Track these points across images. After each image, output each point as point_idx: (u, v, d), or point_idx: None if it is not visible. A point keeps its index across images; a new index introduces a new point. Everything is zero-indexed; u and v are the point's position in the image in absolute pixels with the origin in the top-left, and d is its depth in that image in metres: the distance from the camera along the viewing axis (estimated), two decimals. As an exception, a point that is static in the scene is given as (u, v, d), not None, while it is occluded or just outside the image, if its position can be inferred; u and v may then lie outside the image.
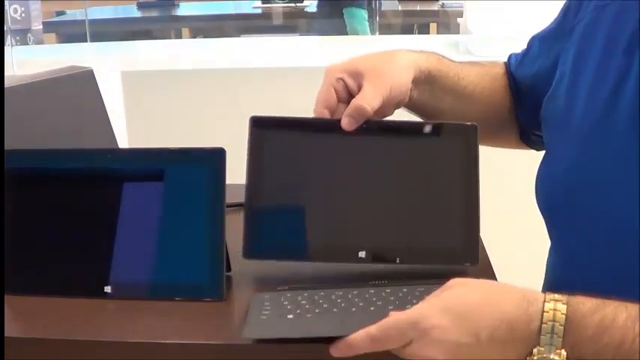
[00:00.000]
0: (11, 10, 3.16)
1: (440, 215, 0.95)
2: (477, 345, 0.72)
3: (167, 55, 2.92)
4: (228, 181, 0.94)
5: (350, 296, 0.88)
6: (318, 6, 4.44)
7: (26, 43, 3.22)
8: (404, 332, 0.74)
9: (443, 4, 4.78)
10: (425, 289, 0.85)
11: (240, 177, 1.03)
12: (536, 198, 0.97)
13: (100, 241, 0.95)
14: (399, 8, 4.94)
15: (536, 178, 0.98)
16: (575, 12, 0.99)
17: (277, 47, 3.13)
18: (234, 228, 0.96)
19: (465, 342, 0.72)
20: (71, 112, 1.18)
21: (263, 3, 4.74)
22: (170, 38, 4.66)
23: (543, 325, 0.72)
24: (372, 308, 0.84)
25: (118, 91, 2.59)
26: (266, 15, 4.79)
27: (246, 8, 5.03)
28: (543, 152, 1.00)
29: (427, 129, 1.00)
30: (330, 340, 0.77)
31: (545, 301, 0.73)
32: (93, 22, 4.06)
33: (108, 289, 0.93)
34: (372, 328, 0.74)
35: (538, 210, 0.98)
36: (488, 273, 0.95)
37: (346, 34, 3.87)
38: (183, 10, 5.10)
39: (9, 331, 0.86)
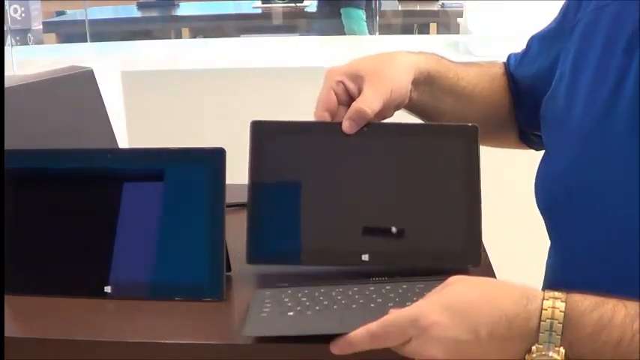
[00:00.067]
0: (11, 10, 3.16)
1: (442, 217, 0.95)
2: (477, 342, 0.73)
3: (167, 55, 2.92)
4: (228, 181, 0.94)
5: (350, 293, 0.88)
6: (318, 6, 4.44)
7: (26, 43, 3.22)
8: (404, 329, 0.74)
9: (443, 4, 4.78)
10: (425, 285, 0.85)
11: (240, 177, 1.03)
12: (536, 198, 0.97)
13: (100, 241, 0.95)
14: (399, 8, 4.94)
15: (536, 178, 0.98)
16: (575, 12, 0.99)
17: (277, 47, 3.13)
18: (234, 228, 0.96)
19: (464, 339, 0.73)
20: (71, 112, 1.18)
21: (263, 3, 4.74)
22: (170, 38, 4.66)
23: (542, 323, 0.72)
24: (372, 305, 0.85)
25: (118, 91, 2.59)
26: (266, 15, 4.79)
27: (246, 8, 5.03)
28: (543, 152, 1.00)
29: (428, 131, 1.00)
30: (331, 337, 0.77)
31: (544, 298, 0.73)
32: (93, 22, 4.07)
33: (108, 289, 0.93)
34: (372, 326, 0.75)
35: (538, 210, 0.98)
36: (488, 273, 0.95)
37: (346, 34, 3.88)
38: (183, 10, 5.10)
39: (9, 331, 0.86)
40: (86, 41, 3.40)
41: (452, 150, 0.96)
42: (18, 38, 3.16)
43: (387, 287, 0.89)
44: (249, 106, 2.62)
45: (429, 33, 4.66)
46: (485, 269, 0.95)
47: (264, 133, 0.97)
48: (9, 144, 0.98)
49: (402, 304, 0.79)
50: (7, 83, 1.11)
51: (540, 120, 1.02)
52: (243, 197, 1.16)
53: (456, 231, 0.95)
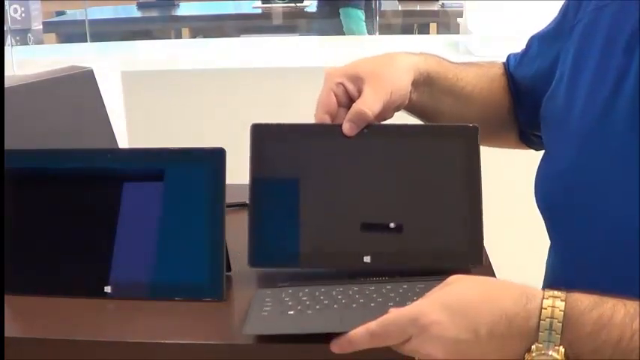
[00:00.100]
0: (11, 10, 3.16)
1: (443, 217, 0.95)
2: (476, 341, 0.73)
3: (167, 55, 2.92)
4: (228, 181, 0.94)
5: (350, 292, 0.88)
6: (318, 6, 4.44)
7: (26, 43, 3.22)
8: (403, 328, 0.74)
9: (443, 4, 4.78)
10: (425, 285, 0.85)
11: (240, 177, 1.03)
12: (536, 198, 0.97)
13: (100, 241, 0.95)
14: (399, 8, 4.94)
15: (536, 177, 0.98)
16: (575, 12, 0.99)
17: (277, 47, 3.13)
18: (234, 228, 0.96)
19: (463, 338, 0.73)
20: (71, 112, 1.18)
21: (263, 3, 4.74)
22: (170, 38, 4.66)
23: (541, 322, 0.72)
24: (372, 304, 0.85)
25: (118, 91, 2.59)
26: (266, 15, 4.79)
27: (246, 8, 5.03)
28: (543, 152, 1.00)
29: (428, 131, 1.00)
30: (331, 336, 0.77)
31: (543, 297, 0.73)
32: (93, 22, 4.07)
33: (108, 289, 0.93)
34: (372, 324, 0.75)
35: (538, 210, 0.98)
36: (488, 273, 0.95)
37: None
38: (183, 10, 5.10)
39: (9, 331, 0.86)
40: (86, 41, 3.40)
41: (452, 150, 0.96)
42: (18, 38, 3.16)
43: (388, 287, 0.89)
44: (249, 106, 2.63)
45: (429, 33, 4.66)
46: (485, 269, 0.95)
47: (264, 136, 0.96)
48: (9, 144, 0.98)
49: (402, 304, 0.79)
50: (7, 83, 1.11)
51: (540, 120, 1.02)
52: (243, 197, 1.16)
53: (457, 231, 0.95)
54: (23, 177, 0.97)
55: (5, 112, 1.01)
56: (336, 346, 0.76)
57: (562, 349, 0.72)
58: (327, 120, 0.96)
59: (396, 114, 1.02)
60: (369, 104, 0.95)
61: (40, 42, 3.35)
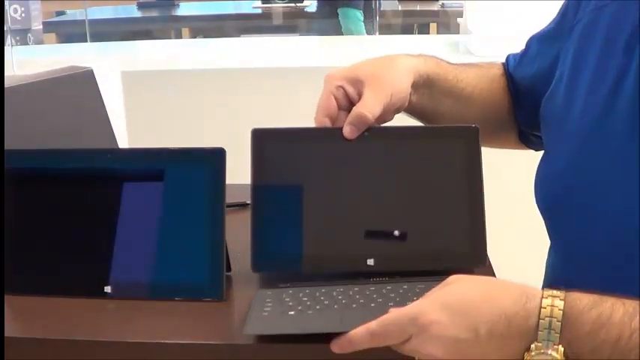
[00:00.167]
0: (11, 10, 3.17)
1: (446, 218, 0.95)
2: (476, 340, 0.73)
3: (167, 55, 2.93)
4: (228, 181, 0.94)
5: (351, 293, 0.88)
6: (318, 6, 4.44)
7: (26, 43, 3.23)
8: (403, 328, 0.74)
9: (443, 4, 4.78)
10: (425, 285, 0.85)
11: (240, 177, 1.03)
12: (536, 198, 0.97)
13: (100, 241, 0.95)
14: (399, 8, 4.94)
15: (535, 177, 0.98)
16: (574, 12, 0.99)
17: (277, 47, 3.13)
18: (234, 228, 0.96)
19: (463, 337, 0.73)
20: (71, 112, 1.18)
21: (263, 3, 4.74)
22: (170, 38, 4.66)
23: (541, 321, 0.72)
24: (372, 305, 0.85)
25: (118, 91, 2.59)
26: (266, 15, 4.79)
27: (246, 8, 5.03)
28: (542, 152, 1.00)
29: (429, 133, 1.00)
30: (331, 336, 0.77)
31: (543, 297, 0.73)
32: (93, 22, 4.07)
33: (108, 289, 0.93)
34: (372, 324, 0.75)
35: (538, 210, 0.98)
36: (488, 273, 0.95)
37: (345, 34, 3.88)
38: (183, 10, 5.10)
39: (9, 331, 0.86)
40: (86, 41, 3.40)
41: (454, 151, 0.96)
42: (18, 38, 3.16)
43: (388, 287, 0.89)
44: (249, 106, 2.63)
45: (429, 33, 4.66)
46: (486, 269, 0.95)
47: (265, 141, 0.96)
48: (9, 144, 0.98)
49: (402, 304, 0.79)
50: (7, 83, 1.11)
51: (540, 120, 1.02)
52: (243, 197, 1.16)
53: (460, 232, 0.95)
54: (23, 177, 0.97)
55: (5, 112, 1.02)
56: (337, 346, 0.76)
57: (561, 348, 0.72)
58: (327, 123, 0.96)
59: (395, 116, 1.02)
60: (369, 107, 0.95)
61: (40, 42, 3.35)
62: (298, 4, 4.67)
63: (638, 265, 0.82)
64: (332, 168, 0.96)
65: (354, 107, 0.96)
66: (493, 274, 0.95)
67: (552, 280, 0.98)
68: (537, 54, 1.07)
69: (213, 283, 0.92)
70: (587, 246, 0.89)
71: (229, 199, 0.96)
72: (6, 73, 1.41)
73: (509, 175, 1.83)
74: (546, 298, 0.73)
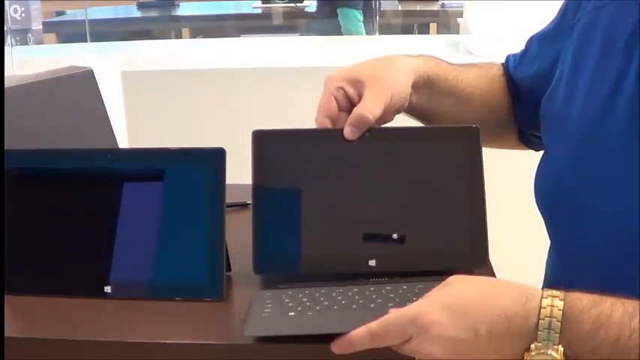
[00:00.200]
0: (11, 10, 3.17)
1: (448, 218, 0.95)
2: (476, 340, 0.73)
3: (167, 55, 2.92)
4: (228, 181, 0.94)
5: (350, 294, 0.88)
6: (318, 6, 4.45)
7: (26, 43, 3.23)
8: (403, 328, 0.74)
9: (443, 4, 4.78)
10: (425, 285, 0.86)
11: (240, 177, 1.03)
12: (536, 198, 0.97)
13: (100, 241, 0.95)
14: (399, 8, 4.94)
15: (535, 177, 0.98)
16: (574, 12, 0.99)
17: (277, 47, 3.13)
18: (234, 228, 0.96)
19: (463, 337, 0.73)
20: (71, 112, 1.18)
21: (263, 3, 4.74)
22: (170, 38, 4.66)
23: (540, 321, 0.72)
24: (372, 305, 0.85)
25: (118, 91, 2.59)
26: (266, 15, 4.79)
27: (246, 8, 5.03)
28: (542, 152, 1.00)
29: (430, 133, 1.00)
30: (331, 337, 0.77)
31: (542, 297, 0.73)
32: (93, 22, 4.07)
33: (108, 289, 0.93)
34: (372, 325, 0.75)
35: (538, 210, 0.98)
36: (488, 273, 0.95)
37: (345, 34, 3.89)
38: (183, 10, 5.11)
39: (9, 331, 0.86)
40: (86, 41, 3.40)
41: (455, 151, 0.96)
42: (18, 38, 3.16)
43: (387, 288, 0.89)
44: (249, 106, 2.63)
45: (429, 33, 4.66)
46: (486, 269, 0.95)
47: (266, 143, 0.96)
48: (9, 144, 0.98)
49: (402, 304, 0.79)
50: (7, 83, 1.11)
51: (540, 120, 1.02)
52: (243, 197, 1.16)
53: (462, 232, 0.95)
54: (23, 177, 0.97)
55: (5, 112, 1.02)
56: (337, 347, 0.77)
57: (561, 348, 0.72)
58: (328, 124, 0.96)
59: (395, 116, 1.02)
60: (370, 108, 0.95)
61: (40, 42, 3.35)
62: (298, 4, 4.68)
63: (638, 265, 0.82)
64: (333, 169, 0.96)
65: (355, 108, 0.96)
66: (493, 274, 0.95)
67: (552, 281, 0.98)
68: (537, 54, 1.07)
69: (213, 283, 0.92)
70: (587, 246, 0.89)
71: (229, 199, 0.96)
72: (6, 73, 1.41)
73: (509, 175, 1.83)
74: (546, 298, 0.73)
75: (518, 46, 1.13)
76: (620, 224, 0.84)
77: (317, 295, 0.88)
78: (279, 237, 0.95)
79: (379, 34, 3.80)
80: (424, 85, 1.02)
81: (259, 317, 0.84)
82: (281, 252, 0.94)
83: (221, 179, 0.94)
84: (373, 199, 0.95)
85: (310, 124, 0.98)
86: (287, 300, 0.87)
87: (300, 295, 0.88)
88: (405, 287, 0.88)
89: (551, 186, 0.95)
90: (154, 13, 5.07)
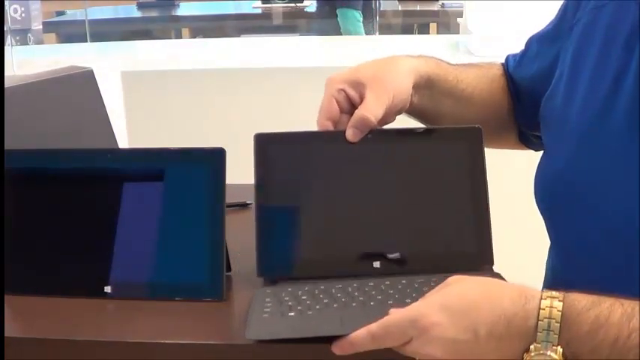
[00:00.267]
0: (11, 10, 3.17)
1: (451, 220, 0.95)
2: (476, 341, 0.73)
3: (167, 55, 2.92)
4: (228, 181, 0.94)
5: (350, 289, 0.88)
6: (318, 6, 4.45)
7: (26, 43, 3.23)
8: (404, 330, 0.74)
9: (443, 4, 4.78)
10: (424, 279, 0.86)
11: (240, 177, 1.03)
12: (535, 197, 0.97)
13: (100, 241, 0.95)
14: (399, 8, 4.94)
15: (535, 177, 0.98)
16: (574, 11, 0.99)
17: (277, 47, 3.13)
18: (234, 228, 0.96)
19: (463, 339, 0.73)
20: (71, 112, 1.18)
21: (263, 3, 4.74)
22: (170, 38, 4.66)
23: (540, 322, 0.72)
24: (371, 303, 0.85)
25: (118, 91, 2.60)
26: (266, 15, 4.80)
27: (246, 8, 5.03)
28: (542, 152, 1.00)
29: (432, 134, 1.00)
30: (332, 337, 0.77)
31: (541, 298, 0.73)
32: (93, 22, 4.07)
33: (108, 289, 0.93)
34: (373, 327, 0.75)
35: (538, 210, 0.98)
36: (489, 274, 0.95)
37: (345, 34, 3.89)
38: (183, 10, 5.11)
39: (9, 331, 0.86)
40: (86, 41, 3.40)
41: (457, 152, 0.96)
42: (18, 38, 3.16)
43: (387, 283, 0.89)
44: (249, 106, 2.63)
45: (429, 33, 4.66)
46: (490, 270, 0.95)
47: (268, 146, 0.95)
48: (9, 144, 0.98)
49: (401, 302, 0.80)
50: (7, 83, 1.11)
51: (540, 120, 1.02)
52: (243, 197, 1.16)
53: (467, 232, 0.94)
54: (23, 177, 0.97)
55: (5, 112, 1.02)
56: (338, 348, 0.77)
57: (560, 349, 0.72)
58: (329, 127, 0.96)
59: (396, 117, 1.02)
60: (371, 110, 0.95)
61: (40, 42, 3.35)
62: (298, 4, 4.68)
63: (638, 265, 0.82)
64: (336, 171, 0.96)
65: (357, 110, 0.95)
66: (494, 275, 0.95)
67: (552, 281, 0.98)
68: (537, 54, 1.07)
69: (213, 283, 0.92)
70: (587, 246, 0.89)
71: (229, 199, 0.96)
72: (6, 73, 1.41)
73: (510, 175, 1.83)
74: (545, 299, 0.73)
75: (518, 46, 1.13)
76: (620, 224, 0.84)
77: (316, 292, 0.88)
78: (283, 240, 0.94)
79: (379, 34, 3.80)
80: (425, 86, 1.02)
81: (260, 318, 0.84)
82: (285, 255, 0.94)
83: (221, 179, 0.94)
84: (377, 201, 0.95)
85: (310, 123, 0.98)
86: (287, 298, 0.87)
87: (300, 292, 0.88)
88: (404, 282, 0.89)
89: (550, 186, 0.95)
90: (154, 13, 5.07)
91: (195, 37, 4.67)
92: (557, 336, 0.72)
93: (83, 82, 1.21)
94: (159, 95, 2.71)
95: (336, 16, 3.93)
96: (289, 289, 0.89)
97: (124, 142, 1.86)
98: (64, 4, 4.84)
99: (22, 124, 1.08)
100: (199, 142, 0.97)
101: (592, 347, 0.72)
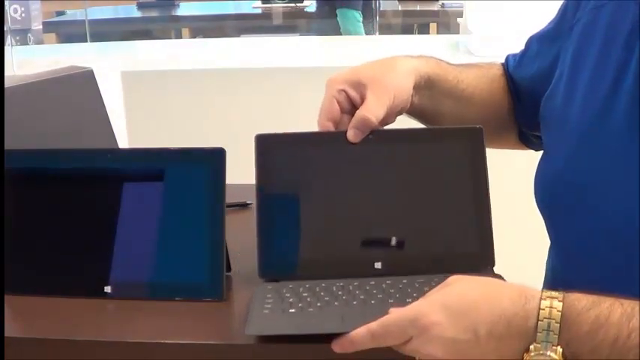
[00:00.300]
0: (11, 10, 3.17)
1: (453, 220, 0.95)
2: (475, 341, 0.73)
3: (167, 55, 2.92)
4: (228, 181, 0.94)
5: (351, 288, 0.88)
6: (317, 6, 4.45)
7: (26, 43, 3.23)
8: (404, 329, 0.74)
9: (443, 4, 4.78)
10: (425, 279, 0.86)
11: (240, 177, 1.03)
12: (535, 197, 0.97)
13: (100, 241, 0.95)
14: (399, 8, 4.94)
15: (535, 177, 0.98)
16: (574, 11, 0.99)
17: (277, 47, 3.13)
18: (234, 228, 0.96)
19: (462, 338, 0.73)
20: (71, 112, 1.18)
21: (263, 3, 4.74)
22: (170, 38, 4.66)
23: (539, 322, 0.72)
24: (372, 302, 0.85)
25: (118, 91, 2.60)
26: (266, 15, 4.79)
27: (246, 8, 5.03)
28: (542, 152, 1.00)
29: (433, 134, 1.00)
30: (332, 336, 0.77)
31: (541, 298, 0.73)
32: (93, 22, 4.07)
33: (108, 289, 0.93)
34: (373, 325, 0.75)
35: (538, 210, 0.98)
36: (489, 274, 0.95)
37: (345, 34, 3.89)
38: (183, 10, 5.10)
39: (9, 331, 0.86)
40: (86, 41, 3.40)
41: (458, 152, 0.96)
42: (18, 38, 3.16)
43: (388, 282, 0.89)
44: (249, 106, 2.63)
45: (429, 33, 4.66)
46: (491, 270, 0.95)
47: (269, 147, 0.95)
48: (9, 144, 0.98)
49: (402, 301, 0.80)
50: (7, 83, 1.11)
51: (540, 120, 1.02)
52: (243, 197, 1.16)
53: (469, 233, 0.94)
54: (23, 177, 0.98)
55: (5, 112, 1.02)
56: (338, 346, 0.77)
57: (560, 349, 0.72)
58: (330, 127, 0.96)
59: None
60: (372, 110, 0.95)
61: (40, 42, 3.35)
62: (298, 4, 4.68)
63: (638, 265, 0.82)
64: (337, 172, 0.96)
65: (358, 111, 0.95)
66: (494, 276, 0.94)
67: (552, 281, 0.98)
68: (537, 54, 1.07)
69: (213, 283, 0.92)
70: (587, 246, 0.89)
71: (229, 199, 0.96)
72: (6, 73, 1.41)
73: (510, 175, 1.83)
74: (545, 299, 0.73)
75: (518, 46, 1.13)
76: (620, 224, 0.84)
77: (317, 289, 0.88)
78: (285, 241, 0.94)
79: (379, 34, 3.80)
80: (425, 86, 1.02)
81: (260, 315, 0.84)
82: (286, 256, 0.94)
83: (221, 179, 0.94)
84: (378, 202, 0.95)
85: (310, 123, 0.98)
86: (288, 295, 0.87)
87: (301, 290, 0.88)
88: (405, 281, 0.89)
89: (550, 185, 0.95)
90: (154, 13, 5.07)
91: (195, 37, 4.67)
92: (556, 336, 0.72)
93: (83, 82, 1.21)
94: (159, 95, 2.71)
95: (336, 16, 3.93)
96: (290, 286, 0.89)
97: (124, 142, 1.86)
98: (64, 4, 4.84)
99: (22, 124, 1.08)
100: (199, 142, 0.97)
101: (592, 347, 0.72)
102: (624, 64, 0.88)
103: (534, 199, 0.98)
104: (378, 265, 0.93)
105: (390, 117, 0.98)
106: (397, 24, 4.82)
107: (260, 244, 0.94)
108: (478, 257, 0.94)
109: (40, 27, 3.36)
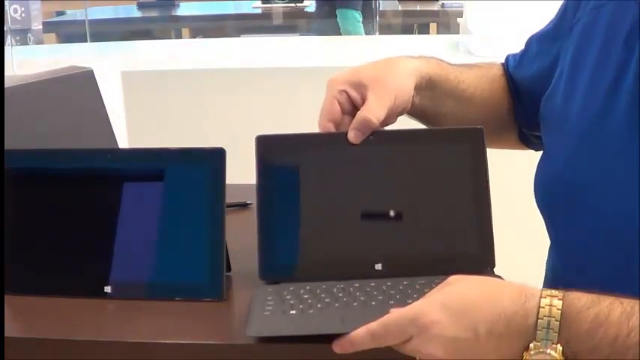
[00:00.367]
0: (11, 10, 3.17)
1: (454, 221, 0.95)
2: (476, 340, 0.73)
3: (167, 55, 2.93)
4: (228, 181, 0.94)
5: (351, 289, 0.88)
6: (317, 6, 4.45)
7: (26, 43, 3.23)
8: (404, 328, 0.74)
9: (443, 4, 4.78)
10: (426, 281, 0.86)
11: (240, 177, 1.03)
12: (535, 197, 0.97)
13: (100, 241, 0.95)
14: (399, 8, 4.94)
15: (535, 177, 0.98)
16: (574, 11, 0.99)
17: (277, 47, 3.13)
18: (234, 228, 0.96)
19: (463, 337, 0.73)
20: (71, 112, 1.18)
21: (263, 3, 4.75)
22: (170, 38, 4.66)
23: (539, 321, 0.72)
24: (372, 303, 0.85)
25: (118, 91, 2.60)
26: (266, 15, 4.80)
27: (246, 8, 5.03)
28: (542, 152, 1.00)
29: (434, 135, 1.00)
30: (332, 336, 0.77)
31: (541, 296, 0.74)
32: (93, 22, 4.07)
33: (108, 289, 0.93)
34: (373, 325, 0.75)
35: (538, 210, 0.98)
36: (488, 273, 0.95)
37: (345, 34, 3.89)
38: (183, 10, 5.11)
39: (9, 331, 0.86)
40: (86, 41, 3.40)
41: (459, 153, 0.96)
42: (18, 38, 3.17)
43: (388, 284, 0.89)
44: (249, 106, 2.63)
45: (429, 33, 4.66)
46: (487, 272, 0.95)
47: (270, 148, 0.95)
48: (9, 144, 0.98)
49: (402, 302, 0.80)
50: (7, 83, 1.11)
51: (540, 120, 1.02)
52: (243, 197, 1.16)
53: (469, 234, 0.94)
54: (23, 177, 0.97)
55: (5, 112, 1.02)
56: (338, 347, 0.77)
57: (560, 348, 0.72)
58: (331, 128, 0.96)
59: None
60: (373, 111, 0.95)
61: (40, 42, 3.36)
62: (298, 4, 4.68)
63: (638, 265, 0.82)
64: (338, 173, 0.96)
65: (359, 112, 0.95)
66: (494, 277, 0.94)
67: (552, 280, 0.98)
68: (537, 54, 1.07)
69: (213, 283, 0.92)
70: (587, 246, 0.89)
71: (229, 199, 0.96)
72: (6, 73, 1.41)
73: (510, 175, 1.83)
74: (545, 297, 0.73)
75: (518, 46, 1.13)
76: (620, 224, 0.84)
77: (318, 291, 0.88)
78: (285, 243, 0.94)
79: (379, 34, 3.80)
80: (426, 87, 1.02)
81: (261, 316, 0.84)
82: (286, 258, 0.94)
83: (221, 179, 0.94)
84: (379, 203, 0.95)
85: (310, 124, 0.98)
86: (288, 296, 0.87)
87: (302, 291, 0.88)
88: (405, 283, 0.89)
89: (550, 185, 0.95)
90: (154, 13, 5.07)
91: (195, 37, 4.67)
92: (556, 334, 0.72)
93: (83, 82, 1.21)
94: (159, 95, 2.71)
95: (336, 16, 3.93)
96: (291, 288, 0.89)
97: (124, 142, 1.86)
98: (64, 4, 4.84)
99: (22, 124, 1.08)
100: (199, 142, 0.97)
101: (591, 345, 0.72)
102: (624, 63, 0.88)
103: (534, 199, 0.98)
104: (378, 266, 0.93)
105: (391, 118, 0.98)
106: (397, 24, 4.82)
107: (260, 246, 0.93)
108: (478, 258, 0.94)
109: (40, 27, 3.36)
